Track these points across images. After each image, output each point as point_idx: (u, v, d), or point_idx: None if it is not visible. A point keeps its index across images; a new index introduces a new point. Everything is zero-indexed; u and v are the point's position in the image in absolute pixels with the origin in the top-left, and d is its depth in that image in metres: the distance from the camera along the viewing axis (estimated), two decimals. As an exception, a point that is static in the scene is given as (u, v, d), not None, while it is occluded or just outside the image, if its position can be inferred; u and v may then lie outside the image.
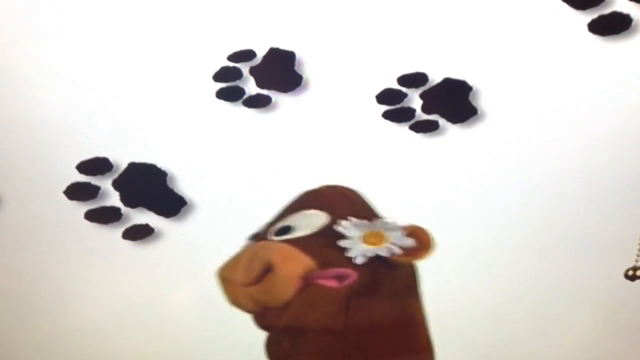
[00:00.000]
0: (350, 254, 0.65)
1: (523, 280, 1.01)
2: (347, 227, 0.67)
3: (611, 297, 1.02)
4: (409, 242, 0.68)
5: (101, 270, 0.99)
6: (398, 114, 0.92)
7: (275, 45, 0.88)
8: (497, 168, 0.95)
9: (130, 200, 0.93)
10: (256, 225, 0.86)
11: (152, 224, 0.95)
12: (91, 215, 0.94)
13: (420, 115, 0.92)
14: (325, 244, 0.65)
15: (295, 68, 0.89)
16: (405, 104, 0.91)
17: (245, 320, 1.01)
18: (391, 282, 0.66)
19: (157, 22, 0.87)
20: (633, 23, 0.86)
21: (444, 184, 0.96)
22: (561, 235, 0.99)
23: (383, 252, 0.67)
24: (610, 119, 0.92)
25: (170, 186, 0.93)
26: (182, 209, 0.94)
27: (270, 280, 0.60)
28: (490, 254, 1.00)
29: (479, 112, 0.92)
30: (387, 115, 0.92)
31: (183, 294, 1.02)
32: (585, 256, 1.00)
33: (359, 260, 0.66)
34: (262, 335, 0.99)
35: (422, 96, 0.91)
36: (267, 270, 0.60)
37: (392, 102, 0.91)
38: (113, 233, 0.95)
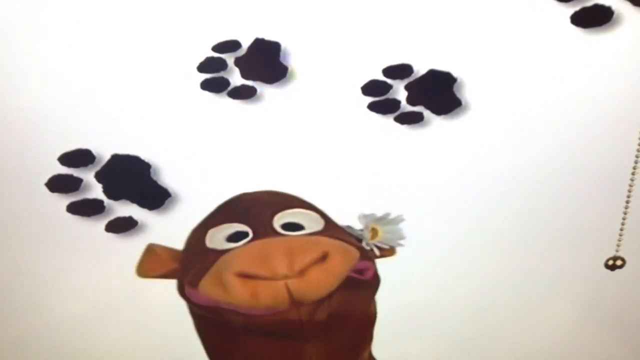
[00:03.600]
0: (366, 247, 0.66)
1: (503, 270, 1.03)
2: (360, 219, 0.67)
3: (591, 287, 1.04)
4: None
5: (84, 263, 0.98)
6: (383, 105, 0.92)
7: (260, 36, 0.87)
8: (480, 159, 0.96)
9: (113, 192, 0.92)
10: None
11: (135, 217, 0.94)
12: (73, 208, 0.93)
13: (405, 107, 0.93)
14: (347, 238, 0.65)
15: (281, 59, 0.88)
16: (390, 95, 0.92)
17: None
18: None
19: (140, 12, 0.86)
20: (614, 15, 0.87)
21: (427, 175, 0.97)
22: (543, 225, 1.00)
23: (391, 244, 0.68)
24: (591, 110, 0.93)
25: (154, 178, 0.92)
26: (166, 202, 0.93)
27: (317, 272, 0.57)
28: (473, 244, 1.01)
29: (463, 103, 0.92)
30: (372, 106, 0.92)
31: (166, 286, 1.01)
32: (566, 246, 1.01)
33: (377, 253, 0.66)
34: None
35: (407, 88, 0.91)
36: (317, 261, 0.58)
37: (377, 94, 0.91)
38: (96, 226, 0.94)
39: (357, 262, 0.61)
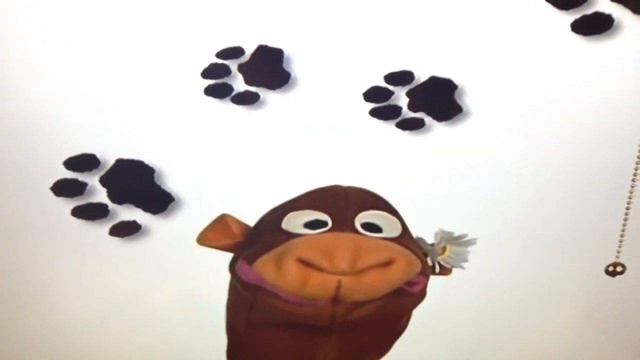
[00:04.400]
0: (429, 262, 0.66)
1: (503, 276, 1.03)
2: (437, 235, 0.67)
3: (591, 293, 1.04)
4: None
5: (88, 266, 0.98)
6: (385, 111, 0.93)
7: (263, 43, 0.88)
8: (481, 165, 0.96)
9: (118, 196, 0.93)
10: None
11: (139, 221, 0.95)
12: (78, 212, 0.93)
13: (407, 113, 0.93)
14: (417, 250, 0.64)
15: (284, 65, 0.89)
16: (391, 101, 0.92)
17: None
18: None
19: (145, 19, 0.86)
20: (615, 23, 0.87)
21: (429, 180, 0.97)
22: (543, 231, 1.01)
23: (453, 264, 0.68)
24: (592, 116, 0.93)
25: (158, 183, 0.93)
26: (170, 206, 0.94)
27: (375, 276, 0.56)
28: (473, 250, 1.01)
29: (464, 110, 0.93)
30: (374, 112, 0.93)
31: (170, 290, 1.02)
32: (567, 252, 1.02)
33: (436, 270, 0.66)
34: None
35: (408, 94, 0.92)
36: (381, 265, 0.57)
37: (379, 100, 0.92)
38: (100, 229, 0.95)
39: (414, 276, 0.60)
